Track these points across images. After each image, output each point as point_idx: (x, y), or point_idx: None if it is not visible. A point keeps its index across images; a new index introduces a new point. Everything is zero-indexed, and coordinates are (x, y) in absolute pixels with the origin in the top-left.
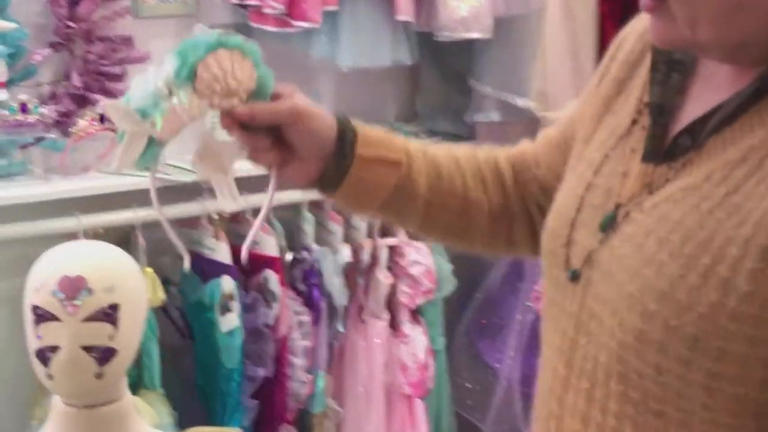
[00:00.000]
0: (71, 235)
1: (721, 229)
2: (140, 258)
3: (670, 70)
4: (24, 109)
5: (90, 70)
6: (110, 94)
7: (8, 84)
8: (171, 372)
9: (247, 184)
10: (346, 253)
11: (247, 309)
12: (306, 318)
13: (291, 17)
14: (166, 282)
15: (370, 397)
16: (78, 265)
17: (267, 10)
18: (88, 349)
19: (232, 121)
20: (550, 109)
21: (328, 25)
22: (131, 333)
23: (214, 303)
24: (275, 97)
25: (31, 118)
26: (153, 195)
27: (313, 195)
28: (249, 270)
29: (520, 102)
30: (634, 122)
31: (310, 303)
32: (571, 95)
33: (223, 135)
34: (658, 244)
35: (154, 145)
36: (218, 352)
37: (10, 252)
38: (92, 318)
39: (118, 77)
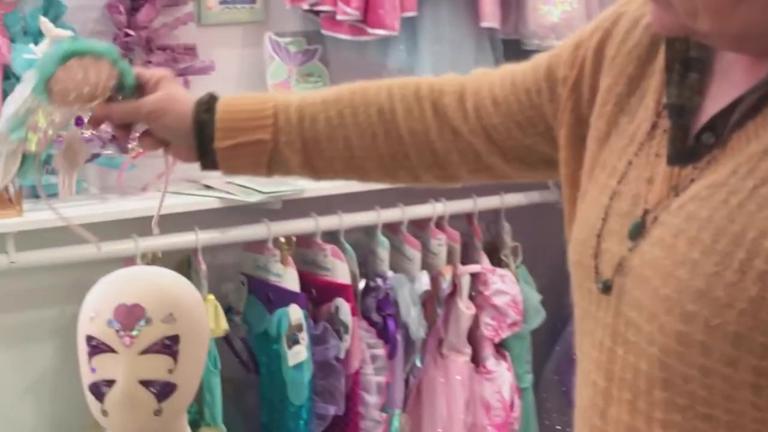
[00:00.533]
0: (128, 259)
1: (753, 221)
2: (201, 284)
3: (687, 69)
4: (79, 123)
5: None
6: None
7: None
8: (234, 408)
9: (316, 206)
10: (424, 281)
11: (317, 341)
12: (380, 351)
13: (366, 24)
14: (228, 311)
15: None
16: (135, 293)
17: (340, 17)
18: (146, 383)
19: (95, 121)
20: None
21: (407, 32)
22: (192, 366)
23: (281, 334)
24: (142, 87)
25: (86, 134)
26: (44, 199)
27: (388, 217)
28: (318, 299)
29: None
30: (654, 126)
31: (384, 335)
32: None
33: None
34: (690, 244)
35: (30, 159)
36: (285, 388)
37: (62, 277)
38: (150, 350)
39: None
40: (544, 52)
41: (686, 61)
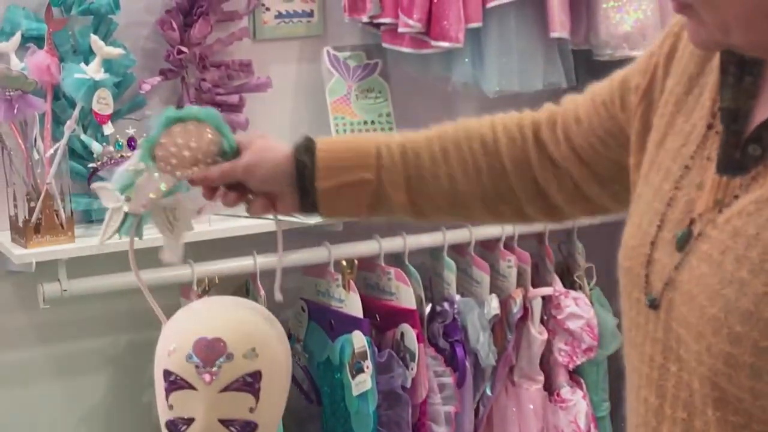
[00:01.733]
0: (184, 286)
1: None
2: None
3: (743, 73)
4: (131, 144)
5: (204, 100)
6: (228, 125)
7: (114, 116)
8: None
9: (378, 227)
10: (493, 305)
11: (381, 369)
12: (448, 380)
13: (429, 37)
14: (289, 338)
15: None
16: (217, 326)
17: (402, 29)
18: (226, 422)
19: (207, 189)
20: None
21: (472, 44)
22: (274, 405)
23: (344, 362)
24: (239, 149)
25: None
26: (133, 265)
27: (455, 238)
28: (382, 325)
29: None
30: (710, 127)
31: (452, 362)
32: None
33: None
34: (737, 262)
35: (130, 218)
36: (349, 419)
37: (116, 305)
38: (231, 387)
39: (236, 107)
40: (615, 62)
41: (742, 63)
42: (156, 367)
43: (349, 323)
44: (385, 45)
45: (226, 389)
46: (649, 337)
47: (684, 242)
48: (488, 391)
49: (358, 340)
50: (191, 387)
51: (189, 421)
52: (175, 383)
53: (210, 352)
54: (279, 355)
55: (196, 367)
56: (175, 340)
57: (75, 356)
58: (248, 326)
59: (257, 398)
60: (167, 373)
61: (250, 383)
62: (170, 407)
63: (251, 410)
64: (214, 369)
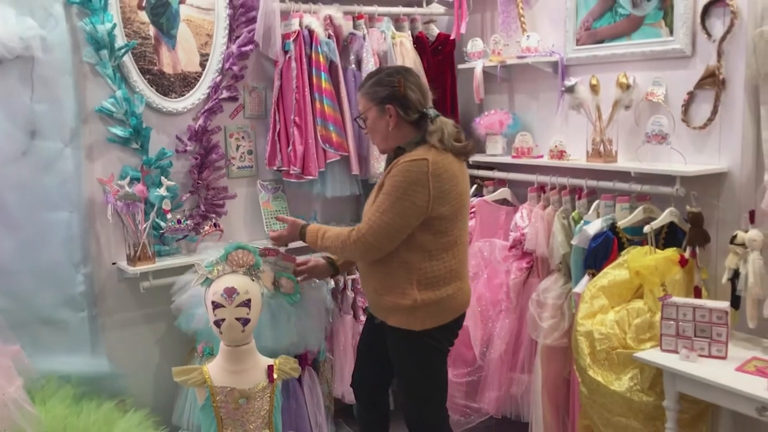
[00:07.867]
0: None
1: (378, 195)
2: None
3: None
4: (179, 221)
5: (207, 203)
6: (219, 215)
7: (171, 210)
8: None
9: None
10: None
11: None
12: None
13: (303, 173)
14: None
15: None
16: (232, 282)
17: (292, 171)
18: (238, 320)
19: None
20: None
21: (322, 176)
22: (256, 312)
23: None
24: (301, 263)
25: (182, 226)
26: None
27: None
28: None
29: None
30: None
31: None
32: None
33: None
34: (370, 204)
35: (205, 279)
36: None
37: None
38: (239, 305)
39: (221, 206)
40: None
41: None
42: (207, 302)
43: None
44: (284, 178)
45: (237, 306)
46: None
47: None
48: None
49: None
50: (222, 306)
51: (222, 320)
52: (216, 304)
53: (230, 291)
54: (257, 295)
55: (224, 297)
56: (216, 289)
57: None
58: (245, 282)
59: (249, 309)
60: (213, 303)
61: (247, 302)
62: (215, 316)
63: (247, 314)
64: (233, 298)
